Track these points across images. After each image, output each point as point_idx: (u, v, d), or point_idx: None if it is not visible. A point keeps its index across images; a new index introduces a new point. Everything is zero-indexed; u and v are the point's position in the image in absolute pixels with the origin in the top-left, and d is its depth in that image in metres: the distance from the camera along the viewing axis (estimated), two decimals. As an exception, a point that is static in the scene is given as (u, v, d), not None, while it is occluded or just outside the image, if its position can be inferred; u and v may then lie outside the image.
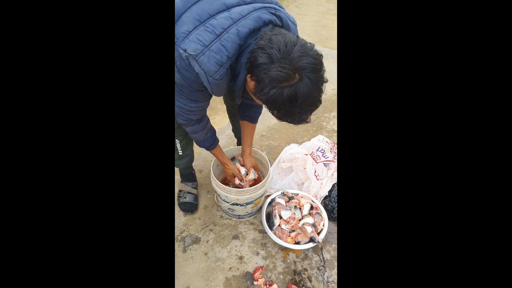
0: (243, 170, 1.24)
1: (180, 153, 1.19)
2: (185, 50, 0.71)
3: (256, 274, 1.08)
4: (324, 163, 1.41)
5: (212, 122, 1.92)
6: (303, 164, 1.37)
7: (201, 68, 0.72)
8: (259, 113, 1.16)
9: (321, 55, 0.71)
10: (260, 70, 0.68)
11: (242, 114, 1.15)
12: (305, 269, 1.12)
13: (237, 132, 1.47)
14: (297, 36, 0.72)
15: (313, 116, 2.18)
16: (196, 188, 1.37)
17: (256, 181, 1.38)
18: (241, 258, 1.16)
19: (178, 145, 1.15)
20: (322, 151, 1.46)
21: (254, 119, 1.16)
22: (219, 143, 1.15)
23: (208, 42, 0.70)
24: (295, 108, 0.69)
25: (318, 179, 1.35)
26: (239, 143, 1.52)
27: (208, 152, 1.59)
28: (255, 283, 1.07)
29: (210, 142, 1.08)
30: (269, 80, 0.67)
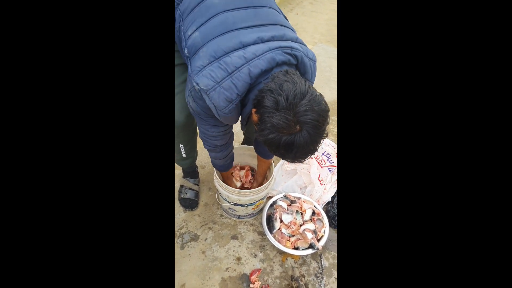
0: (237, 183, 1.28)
1: (183, 156, 1.18)
2: (197, 84, 0.74)
3: (252, 277, 1.07)
4: (329, 168, 1.39)
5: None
6: (308, 167, 1.34)
7: (211, 102, 0.75)
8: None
9: (328, 110, 0.71)
10: (265, 111, 0.69)
11: (256, 149, 1.19)
12: (303, 275, 1.11)
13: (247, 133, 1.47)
14: (309, 86, 0.71)
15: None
16: (198, 185, 1.36)
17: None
18: (238, 259, 1.15)
19: (182, 149, 1.15)
20: (328, 155, 1.43)
21: (267, 156, 1.16)
22: None
23: (219, 79, 0.73)
24: (290, 154, 0.71)
25: (321, 184, 1.33)
26: (244, 142, 1.51)
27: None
28: (251, 285, 1.06)
29: (226, 168, 1.13)
30: (270, 125, 0.68)
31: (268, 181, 1.16)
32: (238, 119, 0.86)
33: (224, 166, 1.11)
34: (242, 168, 1.38)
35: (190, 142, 1.14)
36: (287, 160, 0.77)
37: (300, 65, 0.80)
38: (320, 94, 0.71)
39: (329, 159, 1.42)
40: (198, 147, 1.23)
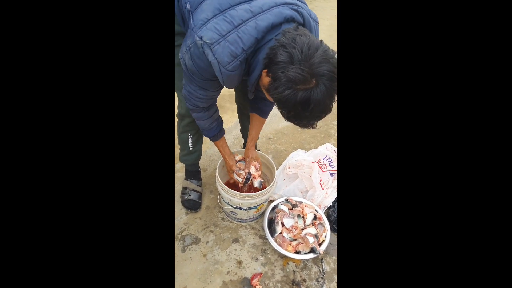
0: (239, 179, 1.19)
1: (190, 148, 1.18)
2: (201, 38, 0.70)
3: (254, 281, 1.07)
4: (330, 173, 1.39)
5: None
6: (309, 171, 1.35)
7: (214, 57, 0.71)
8: (271, 107, 1.13)
9: None
10: (278, 68, 0.67)
11: (253, 106, 1.13)
12: (304, 280, 1.11)
13: (245, 132, 1.45)
14: (321, 41, 0.70)
15: (321, 123, 2.14)
16: (201, 187, 1.36)
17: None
18: (240, 262, 1.15)
19: (189, 140, 1.14)
20: (329, 160, 1.44)
21: (264, 113, 1.13)
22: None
23: (225, 32, 0.69)
24: (306, 112, 0.68)
25: (323, 188, 1.33)
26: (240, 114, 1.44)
27: (213, 151, 1.59)
28: (252, 289, 1.06)
29: (214, 132, 1.05)
30: (286, 80, 0.65)
31: (270, 185, 1.16)
32: (239, 81, 0.81)
33: (212, 131, 1.04)
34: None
35: (198, 130, 1.12)
36: (300, 124, 0.73)
37: (307, 25, 0.78)
38: (332, 49, 0.69)
39: (331, 164, 1.42)
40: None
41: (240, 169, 1.19)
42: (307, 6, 0.82)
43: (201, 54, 0.72)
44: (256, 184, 1.19)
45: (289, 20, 0.74)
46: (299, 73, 0.64)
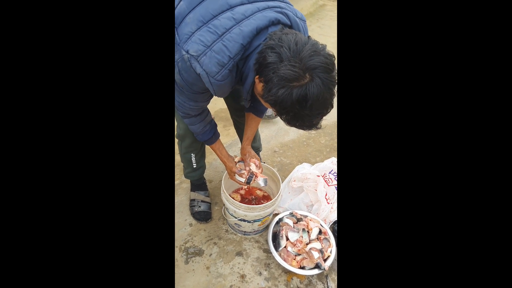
0: (241, 179, 1.14)
1: (194, 166, 1.19)
2: (187, 51, 0.70)
3: (257, 296, 1.05)
4: (336, 187, 1.38)
5: (226, 133, 1.91)
6: (315, 185, 1.34)
7: (202, 69, 0.71)
8: (266, 107, 1.11)
9: (333, 56, 0.68)
10: (269, 69, 0.65)
11: (249, 106, 1.11)
12: (308, 297, 1.08)
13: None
14: (308, 36, 0.70)
15: (327, 137, 2.13)
16: (209, 197, 1.37)
17: (265, 197, 1.36)
18: (243, 276, 1.13)
19: (193, 159, 1.15)
20: (335, 174, 1.43)
21: (260, 112, 1.11)
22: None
23: (210, 43, 0.69)
24: (305, 111, 0.66)
25: (328, 203, 1.32)
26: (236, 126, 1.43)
27: (219, 162, 1.60)
28: (255, 305, 1.03)
29: (209, 135, 1.03)
30: (278, 80, 0.64)
31: (275, 197, 1.16)
32: (230, 89, 0.80)
33: (206, 134, 1.02)
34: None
35: (200, 149, 1.13)
36: (303, 125, 0.70)
37: (294, 25, 0.77)
38: (322, 44, 0.68)
39: (336, 178, 1.42)
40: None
41: (241, 169, 1.15)
42: (292, 6, 0.80)
43: (188, 68, 0.73)
44: (261, 183, 1.15)
45: (275, 23, 0.73)
46: (290, 69, 0.62)
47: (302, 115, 0.67)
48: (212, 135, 1.04)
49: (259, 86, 0.72)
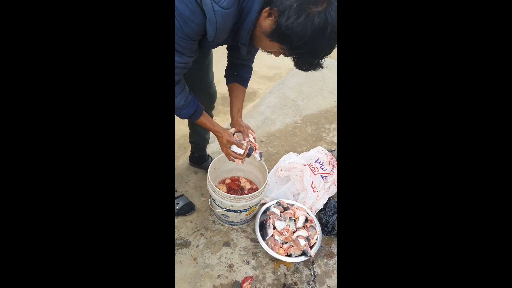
0: (240, 151, 1.03)
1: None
2: None
3: (244, 284, 1.06)
4: (322, 175, 1.40)
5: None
6: (301, 174, 1.35)
7: None
8: (250, 74, 1.05)
9: None
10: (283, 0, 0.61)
11: (231, 75, 1.03)
12: (295, 283, 1.10)
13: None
14: None
15: (313, 126, 2.13)
16: (177, 191, 1.39)
17: (252, 188, 1.36)
18: (230, 266, 1.14)
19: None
20: (321, 163, 1.45)
21: (244, 81, 1.04)
22: None
23: None
24: (323, 40, 0.64)
25: (314, 191, 1.34)
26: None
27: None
28: (243, 293, 1.05)
29: (194, 107, 0.91)
30: (298, 4, 0.60)
31: (262, 187, 1.16)
32: (230, 27, 0.72)
33: (190, 106, 0.90)
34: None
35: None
36: (312, 63, 0.68)
37: None
38: None
39: (322, 167, 1.43)
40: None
41: (240, 139, 1.04)
42: None
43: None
44: (257, 156, 1.08)
45: None
46: None
47: (317, 47, 0.65)
48: (197, 106, 0.94)
49: (266, 22, 0.67)
